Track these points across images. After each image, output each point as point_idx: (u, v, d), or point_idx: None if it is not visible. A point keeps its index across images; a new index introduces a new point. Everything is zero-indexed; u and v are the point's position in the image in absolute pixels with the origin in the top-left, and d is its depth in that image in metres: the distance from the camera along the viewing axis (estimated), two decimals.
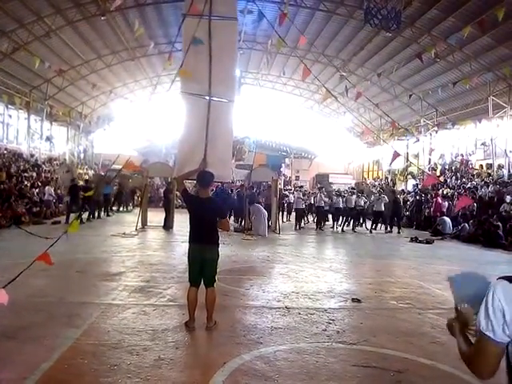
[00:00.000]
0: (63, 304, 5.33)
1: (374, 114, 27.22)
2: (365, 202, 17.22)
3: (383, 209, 16.41)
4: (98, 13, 16.99)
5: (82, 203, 15.08)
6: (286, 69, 25.28)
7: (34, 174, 19.54)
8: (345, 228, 16.63)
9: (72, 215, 14.88)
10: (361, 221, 17.51)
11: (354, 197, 17.11)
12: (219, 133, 5.16)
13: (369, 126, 28.36)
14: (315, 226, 16.75)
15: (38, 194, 16.88)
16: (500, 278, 1.38)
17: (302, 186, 20.55)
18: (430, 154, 23.57)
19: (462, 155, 21.71)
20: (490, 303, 1.36)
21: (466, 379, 3.55)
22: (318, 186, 22.33)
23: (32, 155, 22.32)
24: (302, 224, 17.18)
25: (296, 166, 33.04)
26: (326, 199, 16.94)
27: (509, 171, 17.74)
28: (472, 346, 1.50)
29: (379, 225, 17.05)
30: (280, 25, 13.82)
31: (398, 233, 16.03)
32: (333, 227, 16.84)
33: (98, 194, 16.11)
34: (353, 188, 22.20)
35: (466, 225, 14.85)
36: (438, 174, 21.86)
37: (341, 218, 16.97)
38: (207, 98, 5.13)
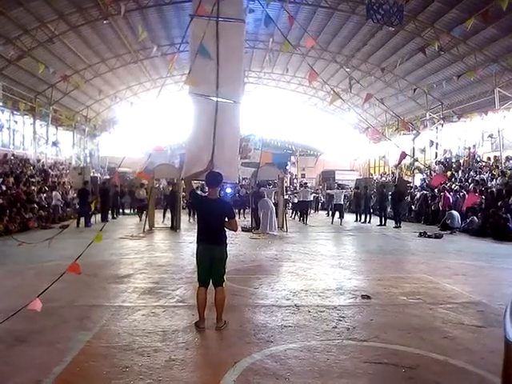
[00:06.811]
0: (74, 307, 5.38)
1: (378, 108, 27.06)
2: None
3: (342, 202, 18.26)
4: (100, 17, 17.07)
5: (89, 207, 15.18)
6: (290, 66, 25.21)
7: (41, 179, 19.68)
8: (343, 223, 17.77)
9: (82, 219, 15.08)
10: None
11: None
12: (226, 134, 5.14)
13: (374, 122, 28.26)
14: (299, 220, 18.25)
15: (45, 198, 16.99)
16: None
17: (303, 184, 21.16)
18: (436, 148, 23.34)
19: (469, 148, 21.52)
20: None
21: (479, 373, 3.54)
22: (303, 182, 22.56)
23: (38, 160, 22.47)
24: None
25: (302, 163, 33.07)
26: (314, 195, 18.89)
27: None
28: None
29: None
30: (290, 26, 13.69)
31: (381, 224, 16.96)
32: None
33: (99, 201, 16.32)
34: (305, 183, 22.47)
35: (475, 218, 14.71)
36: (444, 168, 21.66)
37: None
38: (214, 98, 5.13)
